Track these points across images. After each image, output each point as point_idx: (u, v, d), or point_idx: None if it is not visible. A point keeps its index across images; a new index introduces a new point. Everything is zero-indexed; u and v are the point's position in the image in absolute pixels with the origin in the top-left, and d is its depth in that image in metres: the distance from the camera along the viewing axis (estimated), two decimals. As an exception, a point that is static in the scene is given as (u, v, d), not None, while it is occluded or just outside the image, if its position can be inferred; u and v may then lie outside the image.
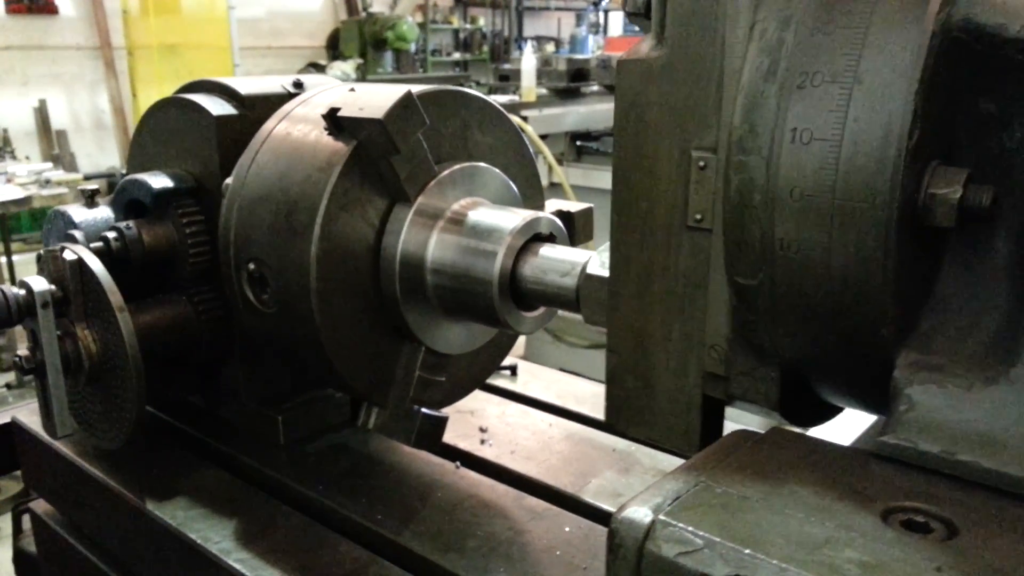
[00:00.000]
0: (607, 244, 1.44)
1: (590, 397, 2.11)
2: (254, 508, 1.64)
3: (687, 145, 1.11)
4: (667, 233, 1.15)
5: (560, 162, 7.56)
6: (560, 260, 1.50)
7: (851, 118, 0.93)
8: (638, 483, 1.72)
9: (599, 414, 2.00)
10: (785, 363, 1.07)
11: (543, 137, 7.33)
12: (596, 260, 1.42)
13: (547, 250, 1.55)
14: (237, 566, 1.46)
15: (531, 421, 1.98)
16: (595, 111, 7.94)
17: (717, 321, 1.12)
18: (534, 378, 2.21)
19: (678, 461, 1.79)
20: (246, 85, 1.89)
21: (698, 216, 1.11)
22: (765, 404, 1.09)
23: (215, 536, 1.54)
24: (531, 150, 1.86)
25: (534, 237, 1.58)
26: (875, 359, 0.97)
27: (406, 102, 1.49)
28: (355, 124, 1.51)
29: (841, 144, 0.94)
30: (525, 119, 7.19)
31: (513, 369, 2.21)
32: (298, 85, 1.93)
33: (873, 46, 0.93)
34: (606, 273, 1.36)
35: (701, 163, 1.09)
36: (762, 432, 1.00)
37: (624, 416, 1.27)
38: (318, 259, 1.51)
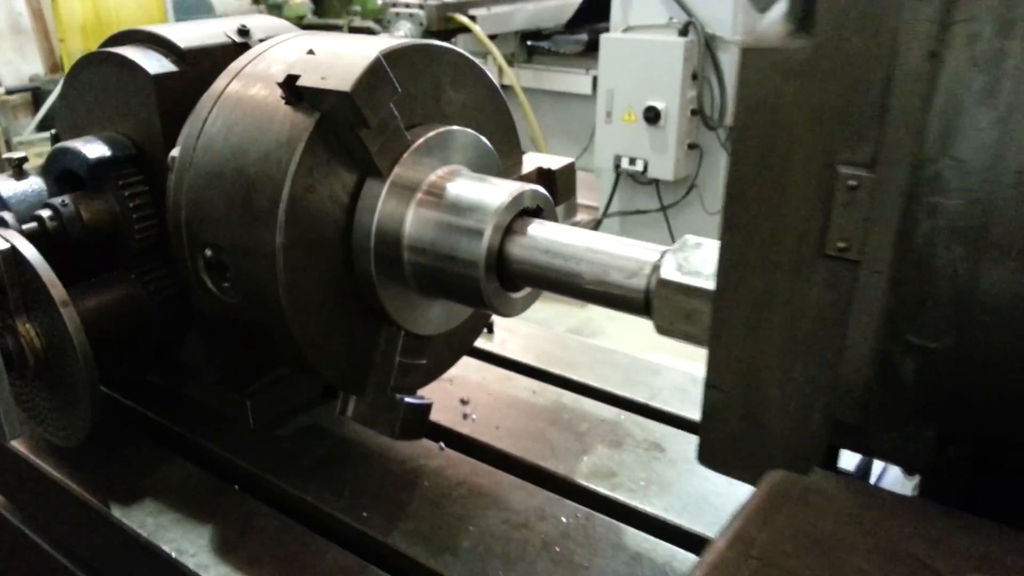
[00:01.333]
0: (683, 240, 1.28)
1: (572, 356, 2.02)
2: (229, 509, 1.54)
3: (832, 158, 0.92)
4: (796, 259, 0.98)
5: (511, 63, 7.28)
6: (624, 257, 1.31)
7: None
8: (631, 459, 1.65)
9: (583, 377, 1.92)
10: (947, 425, 0.93)
11: (492, 37, 7.02)
12: (671, 262, 1.24)
13: (536, 229, 1.42)
14: (217, 582, 1.37)
15: (514, 389, 1.89)
16: (545, 8, 7.59)
17: (856, 365, 0.96)
18: (512, 335, 2.11)
19: (669, 431, 1.73)
20: (184, 35, 1.67)
21: (842, 244, 0.93)
22: (913, 465, 0.96)
23: (190, 547, 1.44)
24: (507, 104, 1.69)
25: (522, 212, 1.44)
26: None
27: (375, 70, 1.32)
28: (317, 95, 1.34)
29: None
30: (473, 19, 6.87)
31: (489, 326, 2.11)
32: (243, 32, 1.72)
33: None
34: (684, 279, 1.21)
35: (852, 182, 0.91)
36: (800, 475, 0.91)
37: (723, 458, 1.14)
38: (284, 249, 1.36)
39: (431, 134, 1.48)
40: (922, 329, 0.90)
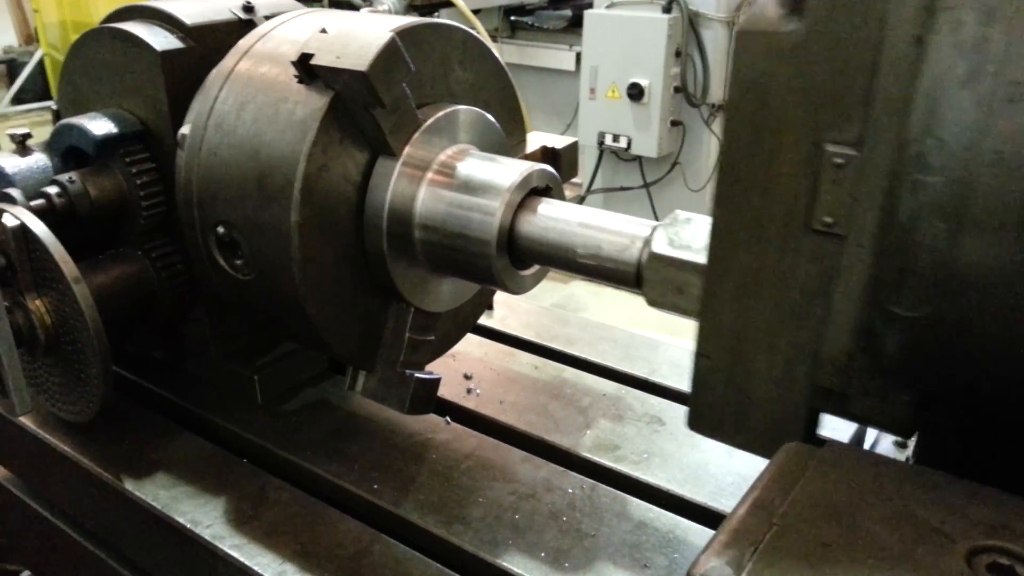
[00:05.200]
0: (674, 216, 1.31)
1: (572, 332, 2.06)
2: (241, 482, 1.56)
3: (820, 137, 0.96)
4: (784, 233, 1.02)
5: (494, 38, 7.25)
6: (613, 232, 1.35)
7: None
8: (633, 432, 1.69)
9: (584, 353, 1.96)
10: (923, 388, 0.98)
11: (476, 12, 6.97)
12: (662, 237, 1.27)
13: (545, 207, 1.44)
14: (233, 553, 1.39)
15: (516, 364, 1.93)
16: (529, -18, 7.57)
17: (839, 335, 1.01)
18: (512, 312, 2.14)
19: (668, 405, 1.78)
20: (189, 11, 1.67)
21: (828, 219, 0.97)
22: (891, 426, 1.02)
23: (205, 519, 1.47)
24: (514, 84, 1.71)
25: (531, 191, 1.47)
26: None
27: (391, 49, 1.33)
28: (332, 74, 1.35)
29: None
30: (457, -7, 6.82)
31: (490, 304, 2.13)
32: (248, 9, 1.72)
33: None
34: (675, 252, 1.25)
35: (839, 160, 0.95)
36: (815, 447, 0.96)
37: (711, 423, 1.19)
38: (299, 227, 1.38)
39: (441, 113, 1.49)
40: (903, 300, 0.95)
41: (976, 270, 0.89)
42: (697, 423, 1.21)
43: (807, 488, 0.87)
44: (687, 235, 1.26)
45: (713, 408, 1.17)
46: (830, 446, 0.95)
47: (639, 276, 1.31)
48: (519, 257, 1.47)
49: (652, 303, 1.30)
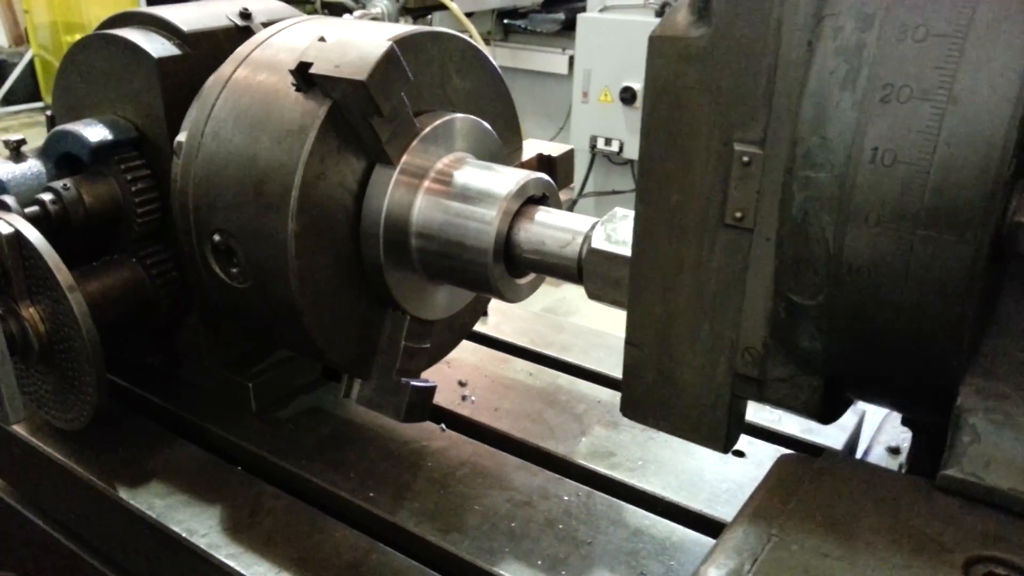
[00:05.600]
0: (612, 213, 1.36)
1: (567, 339, 2.06)
2: (236, 490, 1.56)
3: (729, 136, 1.00)
4: (700, 228, 1.06)
5: (487, 42, 7.27)
6: (559, 228, 1.41)
7: (943, 141, 0.85)
8: (628, 439, 1.70)
9: (578, 360, 1.97)
10: (829, 373, 1.02)
11: (469, 15, 6.98)
12: (600, 233, 1.33)
13: (543, 215, 1.45)
14: (229, 562, 1.39)
15: (510, 371, 1.93)
16: (522, -14, 7.58)
17: (753, 324, 1.05)
18: (506, 319, 2.14)
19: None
20: (186, 17, 1.67)
21: (738, 214, 1.02)
22: (803, 411, 1.05)
23: (200, 527, 1.46)
24: (510, 92, 1.72)
25: (527, 200, 1.47)
26: (935, 381, 0.93)
27: (390, 58, 1.33)
28: (330, 83, 1.35)
29: (929, 170, 0.86)
30: (450, -4, 6.82)
31: (484, 310, 2.14)
32: (245, 16, 1.72)
33: (972, 61, 0.83)
34: (611, 248, 1.30)
35: (745, 158, 0.99)
36: (811, 457, 0.96)
37: (642, 410, 1.22)
38: (296, 235, 1.38)
39: (438, 122, 1.50)
40: (801, 289, 1.00)
41: (860, 261, 0.94)
42: (628, 410, 1.25)
43: (805, 499, 0.88)
44: (623, 231, 1.31)
45: (643, 395, 1.21)
46: (826, 457, 0.95)
47: (580, 270, 1.36)
48: (515, 265, 1.47)
49: (592, 296, 1.36)
